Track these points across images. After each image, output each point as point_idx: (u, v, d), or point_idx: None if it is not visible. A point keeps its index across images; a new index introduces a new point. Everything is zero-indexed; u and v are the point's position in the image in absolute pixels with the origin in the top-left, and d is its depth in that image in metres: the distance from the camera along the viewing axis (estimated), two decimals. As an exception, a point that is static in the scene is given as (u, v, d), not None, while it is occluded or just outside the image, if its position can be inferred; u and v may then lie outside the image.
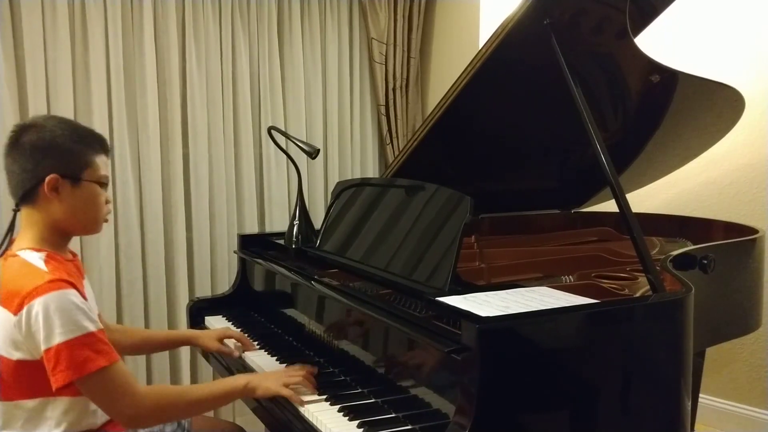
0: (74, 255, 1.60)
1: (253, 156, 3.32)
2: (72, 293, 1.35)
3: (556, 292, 1.45)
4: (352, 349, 1.63)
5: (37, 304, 1.32)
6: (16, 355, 1.38)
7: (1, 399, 1.45)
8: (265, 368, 1.76)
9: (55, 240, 1.49)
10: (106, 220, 1.56)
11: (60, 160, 1.44)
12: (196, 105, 3.11)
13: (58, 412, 1.43)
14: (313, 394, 1.53)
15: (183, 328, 2.99)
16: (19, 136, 1.47)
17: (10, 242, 1.51)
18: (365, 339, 1.60)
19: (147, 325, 3.03)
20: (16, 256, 1.43)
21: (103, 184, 1.51)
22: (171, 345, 2.14)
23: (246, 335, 1.99)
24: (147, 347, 2.03)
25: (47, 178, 1.42)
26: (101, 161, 1.51)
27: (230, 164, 3.25)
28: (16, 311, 1.34)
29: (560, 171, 2.44)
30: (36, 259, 1.40)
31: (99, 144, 1.52)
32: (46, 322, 1.31)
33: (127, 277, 2.97)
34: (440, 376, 1.30)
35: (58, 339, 1.31)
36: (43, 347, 1.33)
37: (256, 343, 1.94)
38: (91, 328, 1.35)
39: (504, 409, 1.18)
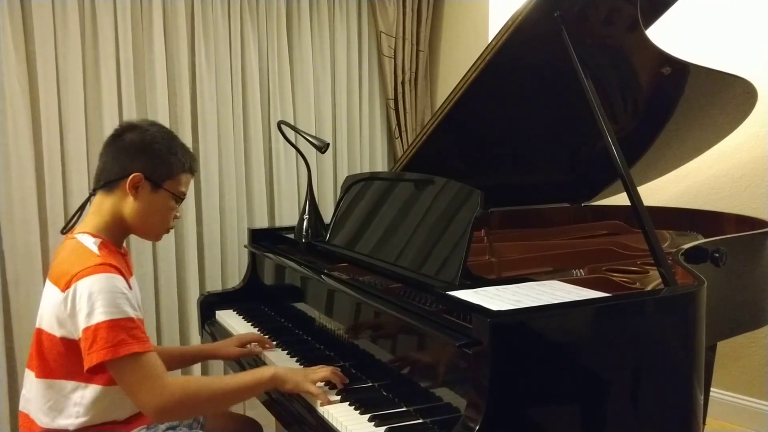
0: (126, 252, 1.65)
1: (263, 150, 3.32)
2: (118, 278, 1.41)
3: (567, 286, 1.44)
4: (362, 343, 1.63)
5: (84, 284, 1.38)
6: (59, 332, 1.44)
7: (37, 376, 1.50)
8: (279, 363, 1.76)
9: (114, 232, 1.56)
10: (167, 232, 1.65)
11: (150, 163, 1.54)
12: (206, 100, 3.12)
13: (87, 399, 1.47)
14: (341, 385, 1.52)
15: (194, 322, 3.01)
16: (123, 132, 1.57)
17: (76, 223, 1.59)
18: (375, 333, 1.60)
19: (158, 320, 3.05)
20: (73, 238, 1.51)
21: (178, 199, 1.60)
22: (197, 359, 2.14)
23: (258, 331, 2.00)
24: (182, 363, 2.01)
25: (132, 175, 1.51)
26: (185, 178, 1.61)
27: (240, 159, 3.26)
28: (65, 288, 1.40)
29: (570, 164, 2.43)
30: (91, 243, 1.48)
31: (189, 162, 1.62)
32: (90, 301, 1.37)
33: (138, 271, 2.98)
34: (451, 370, 1.30)
35: (98, 318, 1.36)
36: (83, 325, 1.37)
37: (266, 337, 1.94)
38: (132, 314, 1.40)
39: (515, 403, 1.18)
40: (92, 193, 1.59)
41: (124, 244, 1.64)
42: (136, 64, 2.96)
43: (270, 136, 3.35)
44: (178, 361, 1.93)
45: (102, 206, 1.55)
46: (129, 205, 1.54)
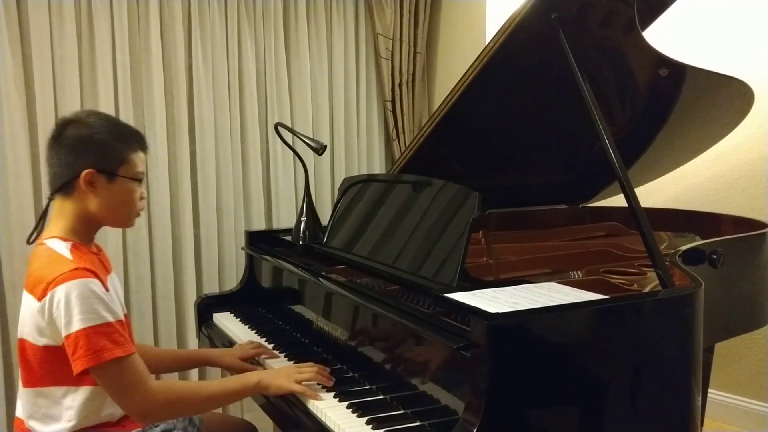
0: (99, 249, 1.63)
1: (260, 152, 3.32)
2: (93, 282, 1.39)
3: (565, 288, 1.44)
4: (360, 345, 1.63)
5: (60, 291, 1.36)
6: (41, 341, 1.43)
7: (25, 386, 1.49)
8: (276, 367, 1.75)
9: (83, 231, 1.53)
10: (138, 215, 1.61)
11: (98, 156, 1.49)
12: (203, 102, 3.11)
13: (78, 401, 1.46)
14: (329, 384, 1.54)
15: (191, 324, 3.00)
16: (61, 130, 1.51)
17: (41, 231, 1.56)
18: (373, 335, 1.59)
19: (155, 322, 3.04)
20: (43, 244, 1.48)
21: (138, 180, 1.56)
22: (194, 365, 2.09)
23: (256, 333, 1.99)
24: (176, 367, 2.01)
25: (84, 173, 1.47)
26: (138, 158, 1.55)
27: (237, 161, 3.25)
28: (41, 297, 1.39)
29: (568, 166, 2.43)
30: (62, 248, 1.45)
31: (137, 141, 1.56)
32: (67, 309, 1.36)
33: (135, 274, 2.98)
34: (449, 373, 1.30)
35: (77, 326, 1.36)
36: (63, 333, 1.37)
37: (263, 339, 1.94)
38: (110, 318, 1.39)
39: (513, 406, 1.18)
40: (50, 198, 1.54)
41: (96, 240, 1.60)
42: (133, 66, 2.95)
43: (267, 138, 3.35)
44: (171, 364, 1.92)
45: (64, 209, 1.51)
46: (92, 202, 1.50)
